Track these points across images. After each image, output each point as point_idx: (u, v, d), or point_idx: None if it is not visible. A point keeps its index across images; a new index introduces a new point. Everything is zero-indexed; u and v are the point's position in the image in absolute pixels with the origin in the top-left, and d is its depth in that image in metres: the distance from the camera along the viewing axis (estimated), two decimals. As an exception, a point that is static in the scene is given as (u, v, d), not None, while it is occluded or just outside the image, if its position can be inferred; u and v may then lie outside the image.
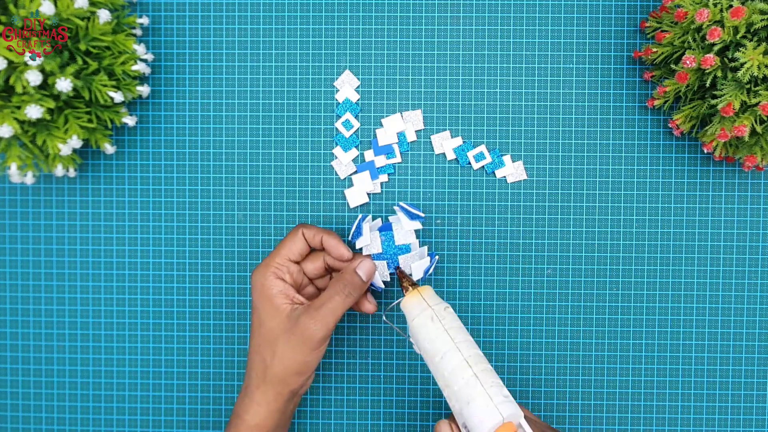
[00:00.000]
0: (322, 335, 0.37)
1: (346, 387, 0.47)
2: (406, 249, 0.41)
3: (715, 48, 0.37)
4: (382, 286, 0.42)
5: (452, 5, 0.46)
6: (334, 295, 0.38)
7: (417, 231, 0.43)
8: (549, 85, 0.46)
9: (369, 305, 0.42)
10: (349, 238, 0.42)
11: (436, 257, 0.44)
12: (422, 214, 0.42)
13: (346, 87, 0.46)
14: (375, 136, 0.46)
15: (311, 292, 0.42)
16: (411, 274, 0.41)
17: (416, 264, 0.41)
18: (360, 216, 0.43)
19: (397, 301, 0.46)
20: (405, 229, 0.41)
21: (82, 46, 0.39)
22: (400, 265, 0.41)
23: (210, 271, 0.47)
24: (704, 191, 0.46)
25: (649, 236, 0.46)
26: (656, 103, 0.44)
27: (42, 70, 0.37)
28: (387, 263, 0.41)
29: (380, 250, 0.41)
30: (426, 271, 0.41)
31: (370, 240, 0.41)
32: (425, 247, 0.42)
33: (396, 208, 0.42)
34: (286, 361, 0.38)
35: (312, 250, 0.41)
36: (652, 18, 0.44)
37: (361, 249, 0.41)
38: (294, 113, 0.47)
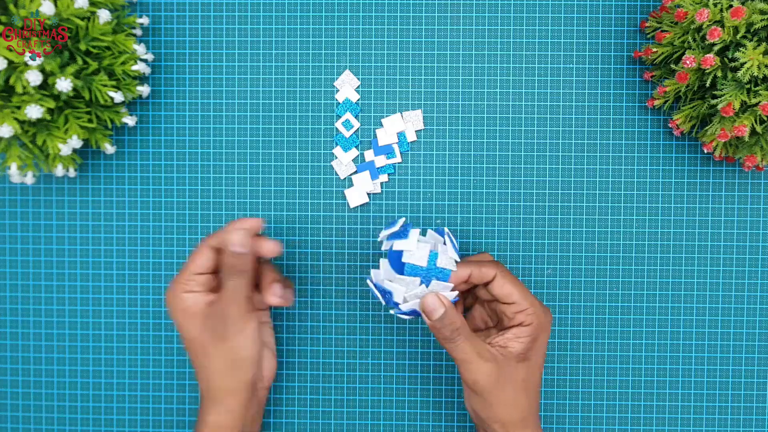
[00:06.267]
0: (233, 324, 0.37)
1: (346, 387, 0.47)
2: (445, 274, 0.37)
3: (715, 48, 0.37)
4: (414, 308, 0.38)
5: (452, 5, 0.46)
6: (225, 284, 0.37)
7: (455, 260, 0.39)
8: (549, 85, 0.46)
9: (273, 298, 0.38)
10: (384, 237, 0.39)
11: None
12: (458, 258, 0.38)
13: (346, 87, 0.46)
14: (375, 136, 0.46)
15: None
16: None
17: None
18: (404, 219, 0.40)
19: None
20: (449, 256, 0.37)
21: (82, 46, 0.39)
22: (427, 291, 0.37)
23: (210, 271, 0.47)
24: (704, 191, 0.46)
25: (649, 236, 0.46)
26: (656, 103, 0.44)
27: (42, 70, 0.37)
28: (420, 280, 0.37)
29: (425, 264, 0.36)
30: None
31: (416, 248, 0.37)
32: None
33: (446, 230, 0.39)
34: (219, 371, 0.37)
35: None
36: (652, 18, 0.44)
37: (401, 252, 0.37)
38: (294, 113, 0.46)
